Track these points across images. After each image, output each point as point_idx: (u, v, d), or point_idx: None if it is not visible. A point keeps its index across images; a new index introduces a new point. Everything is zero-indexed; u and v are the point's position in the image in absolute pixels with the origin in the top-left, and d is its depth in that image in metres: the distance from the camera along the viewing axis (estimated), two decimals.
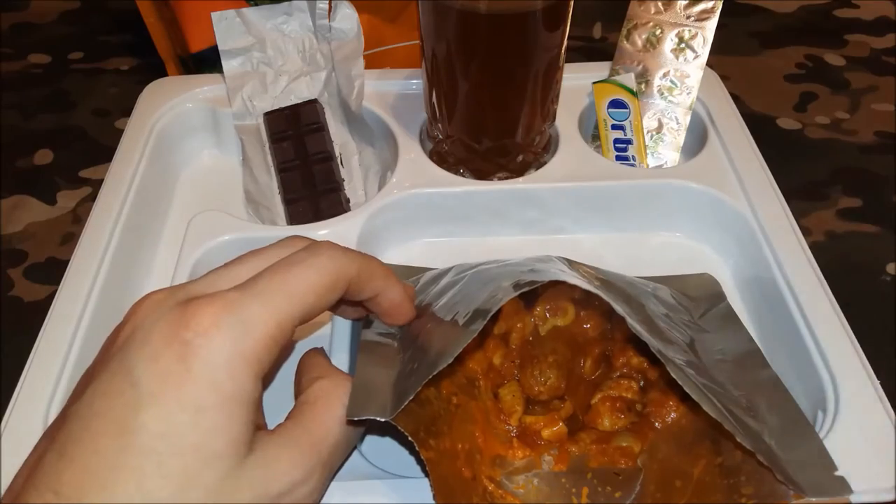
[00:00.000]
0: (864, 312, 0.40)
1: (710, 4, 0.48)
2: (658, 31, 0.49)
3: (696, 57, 0.48)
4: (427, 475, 0.29)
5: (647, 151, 0.49)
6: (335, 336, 0.38)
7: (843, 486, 0.28)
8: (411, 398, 0.29)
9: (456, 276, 0.37)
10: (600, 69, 0.51)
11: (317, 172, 0.48)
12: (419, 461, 0.29)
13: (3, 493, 0.31)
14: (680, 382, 0.29)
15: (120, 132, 0.49)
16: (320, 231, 0.42)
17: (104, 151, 0.48)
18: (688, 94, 0.48)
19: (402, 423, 0.29)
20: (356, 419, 0.30)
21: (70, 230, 0.53)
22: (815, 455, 0.30)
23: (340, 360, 0.36)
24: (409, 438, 0.29)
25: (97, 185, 0.45)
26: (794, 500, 0.28)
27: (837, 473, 0.29)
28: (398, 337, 0.36)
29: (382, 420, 0.29)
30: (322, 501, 0.31)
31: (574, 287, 0.32)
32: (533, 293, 0.36)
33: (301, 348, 0.40)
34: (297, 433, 0.28)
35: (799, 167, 0.57)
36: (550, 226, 0.46)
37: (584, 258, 0.39)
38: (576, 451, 0.34)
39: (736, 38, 0.72)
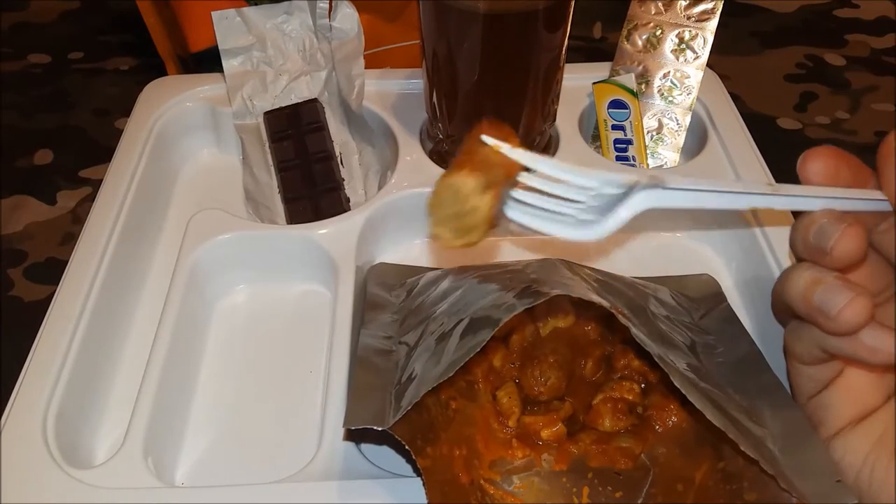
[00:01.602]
0: None
1: (710, 5, 0.48)
2: (658, 32, 0.49)
3: (696, 58, 0.48)
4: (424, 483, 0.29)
5: (648, 152, 0.49)
6: (335, 337, 0.38)
7: (846, 494, 0.28)
8: (409, 408, 0.29)
9: (457, 280, 0.37)
10: (600, 69, 0.51)
11: (317, 172, 0.48)
12: (416, 469, 0.29)
13: (2, 494, 0.31)
14: (684, 391, 0.29)
15: (120, 132, 0.49)
16: (320, 230, 0.42)
17: (104, 151, 0.48)
18: (688, 94, 0.48)
19: (399, 432, 0.29)
20: (353, 428, 0.30)
21: (70, 230, 0.53)
22: (817, 461, 0.30)
23: (340, 361, 0.36)
24: (406, 447, 0.29)
25: (97, 185, 0.45)
26: None
27: (840, 480, 0.29)
28: (396, 341, 0.36)
29: (380, 429, 0.29)
30: (322, 502, 0.31)
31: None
32: None
33: (300, 346, 0.40)
34: None
35: None
36: None
37: (583, 258, 0.39)
38: (576, 452, 0.34)
39: (736, 37, 0.72)
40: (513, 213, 0.29)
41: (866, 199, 0.29)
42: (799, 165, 0.30)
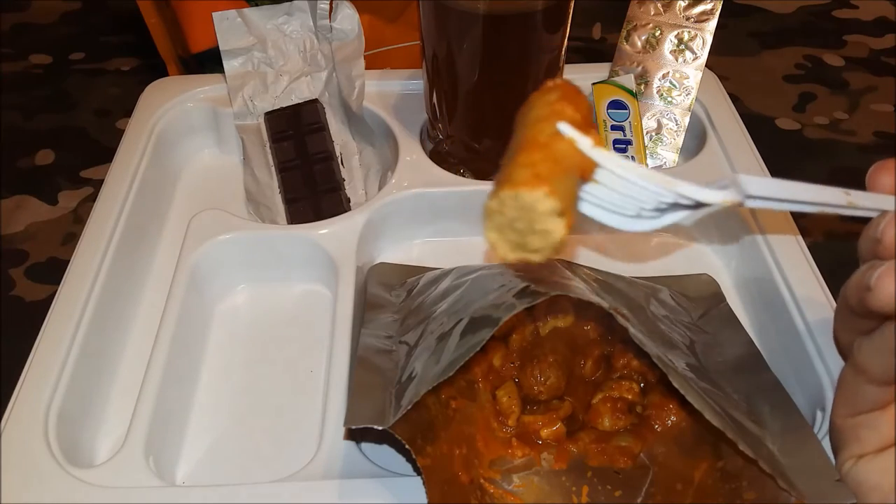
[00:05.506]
0: None
1: (709, 6, 0.48)
2: (657, 33, 0.49)
3: (695, 58, 0.48)
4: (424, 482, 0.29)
5: (647, 152, 0.49)
6: (336, 336, 0.38)
7: (844, 493, 0.29)
8: (409, 407, 0.29)
9: (457, 279, 0.37)
10: (600, 70, 0.51)
11: (317, 172, 0.48)
12: (416, 468, 0.30)
13: (4, 493, 0.31)
14: (682, 392, 0.29)
15: (121, 132, 0.49)
16: (320, 230, 0.42)
17: (105, 152, 0.48)
18: (687, 95, 0.48)
19: (399, 431, 0.29)
20: (353, 427, 0.30)
21: (71, 230, 0.53)
22: (816, 461, 0.30)
23: (340, 360, 0.37)
24: (406, 447, 0.29)
25: (98, 185, 0.45)
26: None
27: (839, 480, 0.29)
28: (396, 340, 0.36)
29: (380, 428, 0.29)
30: (322, 501, 0.31)
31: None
32: None
33: (301, 346, 0.41)
34: None
35: (798, 167, 0.57)
36: None
37: (583, 258, 0.39)
38: (575, 451, 0.34)
39: (735, 38, 0.72)
40: (582, 206, 0.26)
41: None
42: (868, 176, 0.29)
